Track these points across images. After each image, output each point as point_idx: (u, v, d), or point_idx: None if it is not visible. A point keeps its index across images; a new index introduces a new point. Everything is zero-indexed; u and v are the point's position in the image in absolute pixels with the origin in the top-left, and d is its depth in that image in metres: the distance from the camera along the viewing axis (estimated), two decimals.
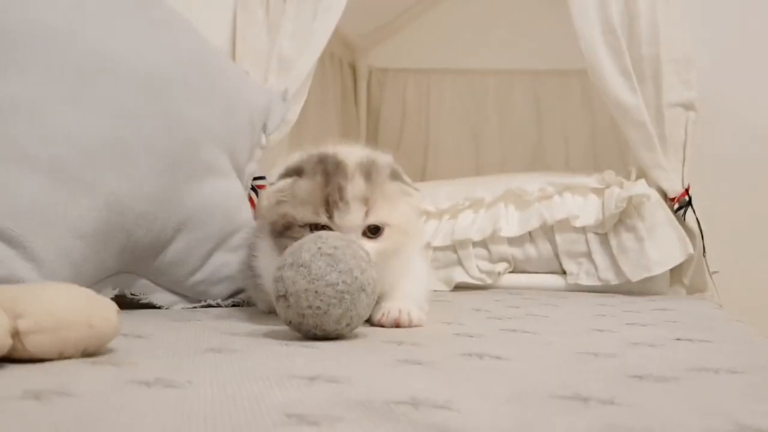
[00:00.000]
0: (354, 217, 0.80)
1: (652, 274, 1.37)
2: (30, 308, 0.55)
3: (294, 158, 0.86)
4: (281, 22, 1.61)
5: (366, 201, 0.81)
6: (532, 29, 2.14)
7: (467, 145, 2.30)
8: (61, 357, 0.57)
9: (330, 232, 0.77)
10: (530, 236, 1.47)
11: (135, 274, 1.00)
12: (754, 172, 2.01)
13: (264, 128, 1.36)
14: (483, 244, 1.48)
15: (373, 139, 2.40)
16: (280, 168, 0.85)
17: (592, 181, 1.48)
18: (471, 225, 1.49)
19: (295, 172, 0.83)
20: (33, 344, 0.55)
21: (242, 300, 1.11)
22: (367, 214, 0.81)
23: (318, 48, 1.57)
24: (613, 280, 1.40)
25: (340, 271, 0.70)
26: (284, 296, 0.71)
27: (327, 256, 0.71)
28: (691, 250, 1.40)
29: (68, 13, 0.88)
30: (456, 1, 2.21)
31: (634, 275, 1.38)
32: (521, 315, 0.98)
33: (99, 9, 0.93)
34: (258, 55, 1.62)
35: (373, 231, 0.82)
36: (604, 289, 1.41)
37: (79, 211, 0.86)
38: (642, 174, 1.47)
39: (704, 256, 1.45)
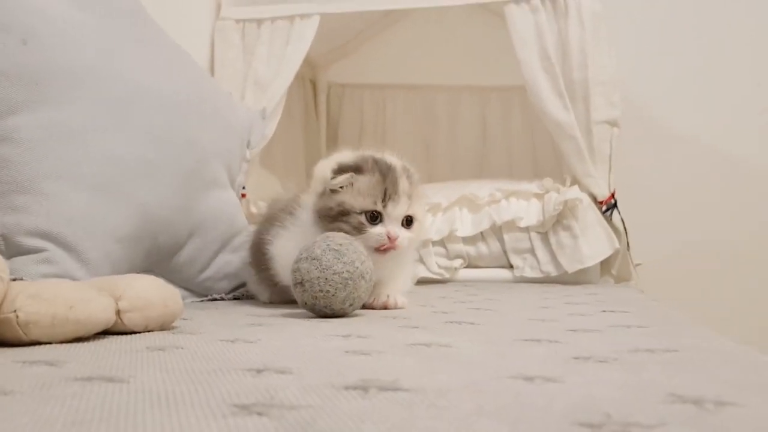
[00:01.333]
0: (402, 208, 1.00)
1: (585, 266, 1.60)
2: (126, 293, 0.73)
3: (346, 157, 1.04)
4: (256, 47, 1.79)
5: (409, 197, 1.01)
6: (478, 49, 2.34)
7: (420, 154, 2.48)
8: (146, 330, 0.75)
9: (336, 233, 0.96)
10: (482, 236, 1.68)
11: (154, 273, 1.17)
12: (671, 178, 2.30)
13: (248, 144, 1.55)
14: (441, 243, 1.69)
15: (333, 148, 2.58)
16: (330, 164, 1.02)
17: (533, 187, 1.71)
18: (430, 226, 1.69)
19: (353, 169, 1.01)
20: (128, 320, 0.73)
21: (242, 294, 1.29)
22: (408, 207, 1.01)
23: (291, 72, 1.75)
24: (553, 272, 1.62)
25: (344, 263, 0.90)
26: (300, 283, 0.90)
27: (334, 251, 0.90)
28: (617, 245, 1.63)
29: (107, 53, 1.05)
30: (409, 23, 2.40)
31: (571, 267, 1.60)
32: (481, 300, 1.19)
33: (129, 48, 1.10)
34: (235, 76, 1.79)
35: (408, 222, 1.02)
36: (545, 280, 1.63)
37: (118, 219, 1.03)
38: (575, 181, 1.69)
39: (628, 250, 1.70)
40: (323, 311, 0.90)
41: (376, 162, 1.02)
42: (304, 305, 0.92)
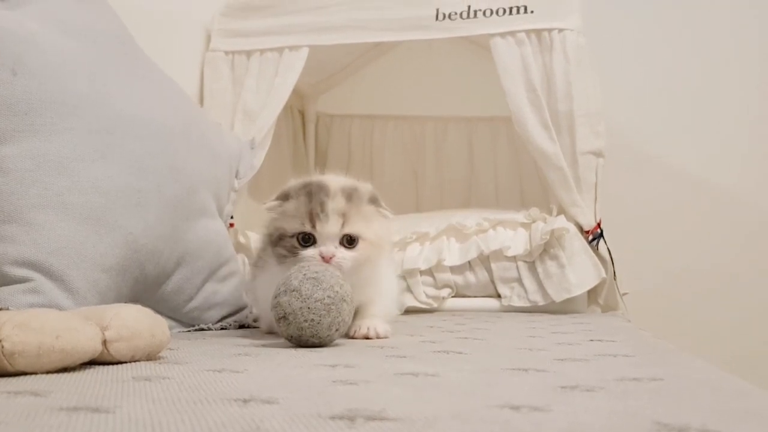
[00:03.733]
0: (332, 226, 0.99)
1: (573, 295, 1.61)
2: (112, 322, 0.73)
3: (285, 186, 1.06)
4: (245, 78, 1.81)
5: (343, 215, 1.00)
6: (465, 80, 2.37)
7: (408, 184, 2.51)
8: (133, 360, 0.75)
9: (311, 262, 0.97)
10: (469, 265, 1.69)
11: (141, 302, 1.16)
12: (657, 208, 2.33)
13: (236, 173, 1.55)
14: (429, 272, 1.69)
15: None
16: (273, 194, 1.06)
17: (520, 216, 1.72)
18: (418, 256, 1.70)
19: (283, 197, 1.04)
20: (115, 350, 0.72)
21: (229, 324, 1.29)
22: (343, 225, 1.00)
23: (280, 102, 1.77)
24: (540, 301, 1.63)
25: (324, 289, 0.90)
26: (284, 317, 0.90)
27: (312, 279, 0.90)
28: (603, 274, 1.64)
29: (94, 82, 1.06)
30: (397, 54, 2.43)
31: (558, 296, 1.61)
32: (468, 329, 1.19)
33: (118, 78, 1.11)
34: (224, 107, 1.80)
35: (349, 241, 1.01)
36: (533, 309, 1.64)
37: (105, 249, 1.03)
38: (561, 210, 1.71)
39: (615, 279, 1.71)
40: (310, 341, 0.90)
41: (306, 185, 1.03)
42: (290, 338, 0.91)
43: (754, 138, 2.33)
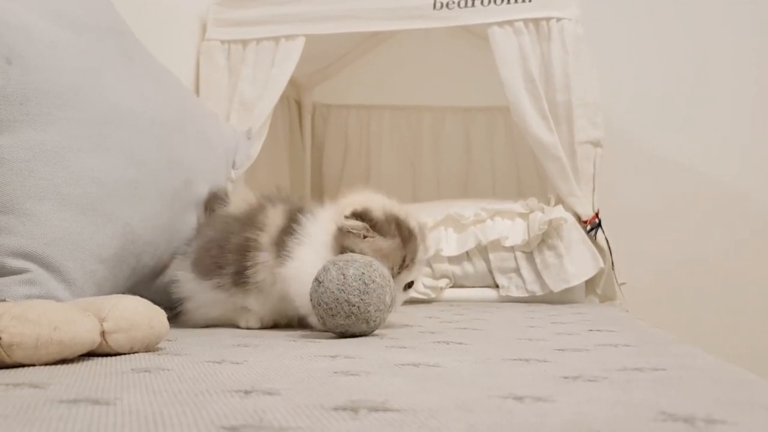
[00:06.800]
0: (413, 275, 1.01)
1: (571, 285, 1.60)
2: (110, 313, 0.72)
3: (373, 202, 1.00)
4: (241, 68, 1.79)
5: (421, 262, 1.02)
6: (463, 70, 2.36)
7: (405, 174, 2.50)
8: (131, 351, 0.74)
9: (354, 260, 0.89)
10: (467, 255, 1.68)
11: (139, 293, 1.15)
12: (654, 198, 2.33)
13: (233, 164, 1.54)
14: (427, 262, 1.69)
15: (317, 169, 2.59)
16: (352, 204, 0.98)
17: (518, 206, 1.71)
18: None
19: (373, 225, 0.97)
20: (113, 341, 0.72)
21: None
22: (416, 273, 1.03)
23: (276, 93, 1.75)
24: (538, 291, 1.63)
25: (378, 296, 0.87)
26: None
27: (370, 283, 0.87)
28: (602, 264, 1.64)
29: (91, 73, 1.05)
30: (393, 44, 2.42)
31: (556, 287, 1.60)
32: (467, 319, 1.19)
33: (114, 69, 1.10)
34: (220, 97, 1.79)
35: (408, 285, 1.02)
36: (531, 300, 1.63)
37: (102, 239, 1.02)
38: (559, 200, 1.70)
39: (613, 269, 1.70)
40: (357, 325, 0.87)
41: (399, 221, 0.97)
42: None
43: (752, 130, 2.33)
